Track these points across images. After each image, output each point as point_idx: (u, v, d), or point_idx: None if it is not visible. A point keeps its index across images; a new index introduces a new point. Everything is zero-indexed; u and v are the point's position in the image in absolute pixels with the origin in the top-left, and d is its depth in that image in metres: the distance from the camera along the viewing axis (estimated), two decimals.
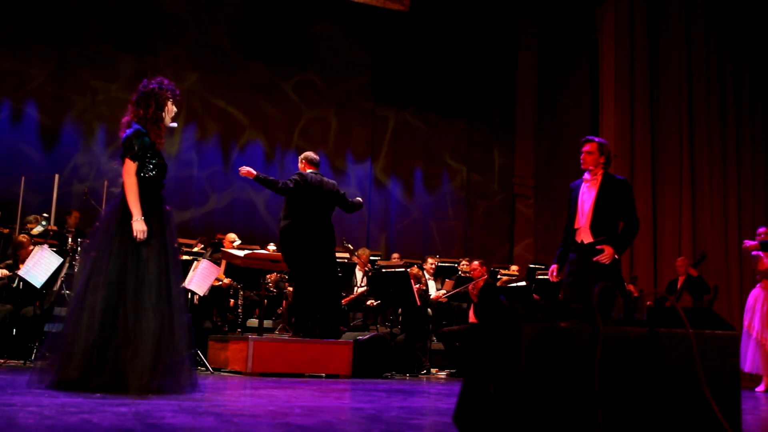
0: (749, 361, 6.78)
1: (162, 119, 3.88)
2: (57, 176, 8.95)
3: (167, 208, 3.88)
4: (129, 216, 3.65)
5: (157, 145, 3.85)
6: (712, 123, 11.14)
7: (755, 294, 7.08)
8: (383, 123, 12.43)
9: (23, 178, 8.95)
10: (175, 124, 4.00)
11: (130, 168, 3.73)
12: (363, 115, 12.28)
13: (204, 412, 2.82)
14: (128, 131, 3.79)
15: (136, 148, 3.74)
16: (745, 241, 7.28)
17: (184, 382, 3.59)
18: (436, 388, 5.43)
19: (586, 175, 5.02)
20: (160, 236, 3.71)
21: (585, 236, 4.89)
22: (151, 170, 3.79)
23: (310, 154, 6.73)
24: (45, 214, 8.23)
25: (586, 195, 4.98)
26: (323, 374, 6.14)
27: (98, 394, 3.24)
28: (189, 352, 3.68)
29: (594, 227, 4.85)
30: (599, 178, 4.96)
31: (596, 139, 5.06)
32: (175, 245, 3.86)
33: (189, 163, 11.10)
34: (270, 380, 5.30)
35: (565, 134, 12.30)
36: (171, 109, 3.93)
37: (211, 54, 11.30)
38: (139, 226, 3.62)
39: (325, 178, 6.58)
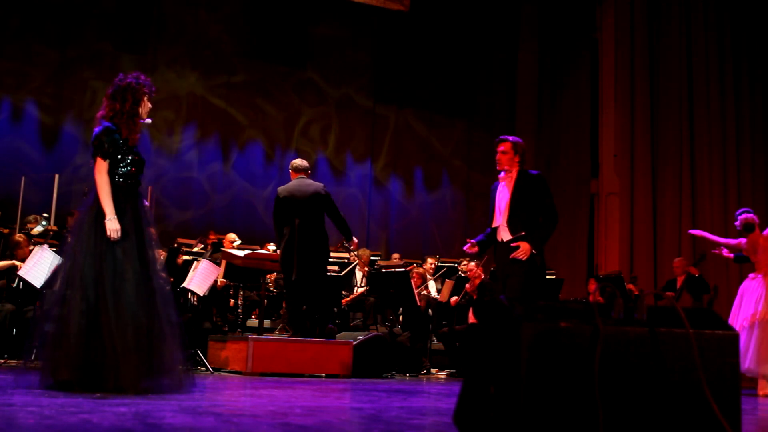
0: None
1: (138, 114, 3.83)
2: (57, 176, 8.95)
3: (146, 203, 3.84)
4: (102, 215, 3.61)
5: (131, 141, 3.79)
6: (712, 123, 11.14)
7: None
8: (383, 123, 12.42)
9: (23, 178, 8.94)
10: (149, 121, 3.94)
11: (101, 167, 3.69)
12: (363, 115, 12.28)
13: (204, 412, 2.82)
14: (97, 129, 3.74)
15: (106, 146, 3.68)
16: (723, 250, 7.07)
17: (177, 380, 3.56)
18: (436, 388, 5.43)
19: (502, 175, 5.08)
20: (136, 233, 3.66)
21: (504, 234, 4.96)
22: (126, 167, 3.75)
23: (295, 161, 6.69)
24: (45, 214, 8.23)
25: (503, 194, 5.04)
26: (323, 374, 6.14)
27: (98, 394, 3.24)
28: (179, 347, 3.63)
29: (511, 224, 4.92)
30: (514, 175, 5.01)
31: (510, 139, 5.12)
32: (153, 241, 3.80)
33: (189, 163, 11.10)
34: (270, 380, 5.30)
35: (565, 134, 12.31)
36: (147, 104, 3.88)
37: (211, 54, 11.30)
38: (112, 225, 3.58)
39: (305, 183, 6.46)
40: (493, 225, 5.04)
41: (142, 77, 3.89)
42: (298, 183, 6.47)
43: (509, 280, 4.85)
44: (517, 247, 4.81)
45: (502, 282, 4.94)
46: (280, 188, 6.49)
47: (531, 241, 4.82)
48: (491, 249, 5.15)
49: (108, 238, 3.58)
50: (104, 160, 3.70)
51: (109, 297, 3.50)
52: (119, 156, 3.74)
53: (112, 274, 3.54)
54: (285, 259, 6.30)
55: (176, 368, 3.58)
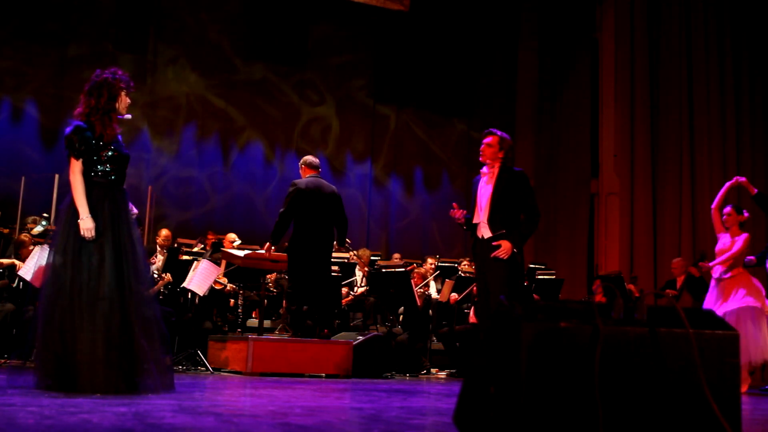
0: None
1: (115, 109, 3.78)
2: (57, 176, 8.94)
3: (129, 202, 3.81)
4: (77, 215, 3.59)
5: (107, 137, 3.73)
6: (712, 122, 11.14)
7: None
8: (383, 123, 12.42)
9: (23, 178, 8.94)
10: (129, 116, 3.90)
11: (74, 166, 3.66)
12: (363, 115, 12.28)
13: (204, 412, 2.83)
14: (67, 129, 3.71)
15: (77, 144, 3.65)
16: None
17: (158, 380, 3.54)
18: (436, 388, 5.43)
19: (484, 169, 5.03)
20: (113, 232, 3.63)
21: (484, 231, 4.90)
22: (104, 164, 3.70)
23: (308, 158, 6.69)
24: (45, 214, 8.23)
25: (484, 189, 4.98)
26: (323, 374, 6.15)
27: (98, 394, 3.24)
28: (159, 347, 3.61)
29: (492, 222, 4.86)
30: (496, 171, 4.96)
31: (498, 133, 5.07)
32: (137, 238, 3.77)
33: (189, 163, 11.10)
34: (270, 380, 5.31)
35: (565, 134, 12.30)
36: (125, 99, 3.83)
37: (211, 54, 11.30)
38: (85, 225, 3.55)
39: (325, 182, 6.54)
40: (474, 221, 4.97)
41: (119, 72, 3.84)
42: (317, 180, 6.46)
43: (490, 279, 4.81)
44: (498, 246, 4.77)
45: (482, 278, 4.89)
46: (299, 181, 6.42)
47: (512, 240, 4.78)
48: (471, 243, 5.10)
49: (83, 238, 3.56)
50: (77, 159, 3.66)
51: (83, 296, 3.48)
52: (94, 154, 3.70)
53: (87, 273, 3.53)
54: (296, 254, 6.26)
55: (156, 368, 3.55)
